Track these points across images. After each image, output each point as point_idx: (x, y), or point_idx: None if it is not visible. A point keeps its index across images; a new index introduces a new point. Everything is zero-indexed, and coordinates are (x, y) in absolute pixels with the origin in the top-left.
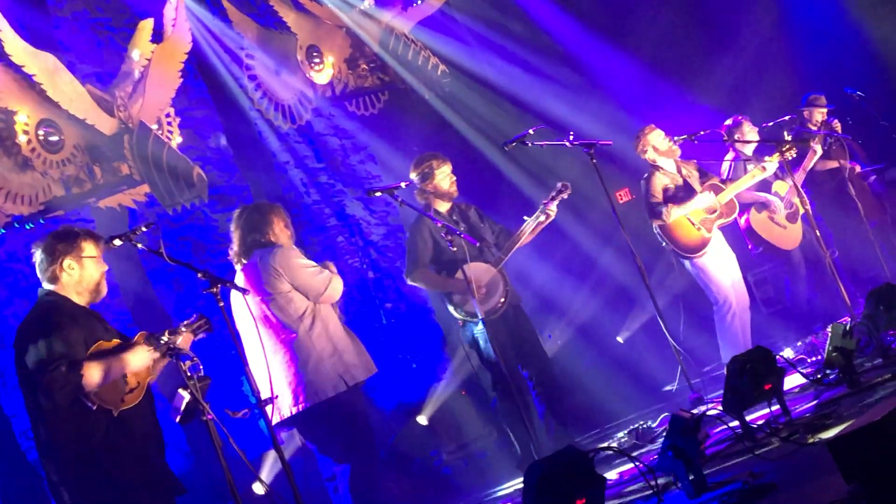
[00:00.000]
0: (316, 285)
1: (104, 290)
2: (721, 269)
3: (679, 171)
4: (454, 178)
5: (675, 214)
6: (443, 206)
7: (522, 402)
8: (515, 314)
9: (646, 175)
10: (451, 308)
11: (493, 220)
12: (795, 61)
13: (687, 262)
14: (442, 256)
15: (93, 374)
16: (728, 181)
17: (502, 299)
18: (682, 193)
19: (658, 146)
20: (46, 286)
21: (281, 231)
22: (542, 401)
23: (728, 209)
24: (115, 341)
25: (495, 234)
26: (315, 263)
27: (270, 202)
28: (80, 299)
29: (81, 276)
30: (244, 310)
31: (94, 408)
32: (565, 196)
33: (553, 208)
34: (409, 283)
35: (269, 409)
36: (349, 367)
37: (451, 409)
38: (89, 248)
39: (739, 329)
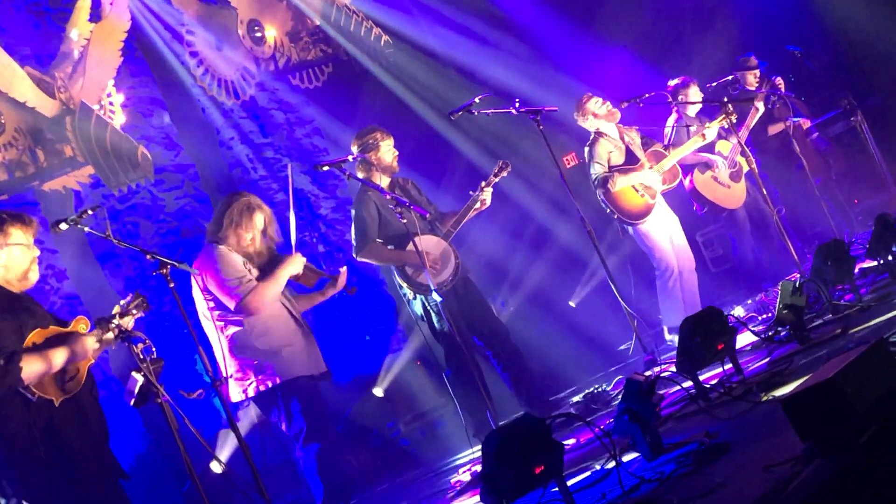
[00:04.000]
0: (226, 299)
1: (34, 277)
2: (663, 234)
3: (622, 138)
4: (396, 152)
5: (620, 184)
6: (384, 181)
7: (478, 372)
8: (465, 286)
9: (589, 142)
10: (400, 281)
11: (428, 197)
12: (737, 20)
13: (630, 228)
14: (388, 230)
15: (33, 366)
16: (670, 146)
17: (454, 272)
18: (626, 160)
19: (597, 112)
20: None
21: (249, 229)
22: (505, 369)
23: (671, 175)
24: (53, 328)
25: (430, 210)
26: (239, 274)
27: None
28: (10, 287)
29: (7, 264)
30: (196, 291)
31: (35, 399)
32: (505, 175)
33: (487, 197)
34: (359, 259)
35: (230, 385)
36: (291, 364)
37: (407, 380)
38: (16, 235)
39: (681, 293)
